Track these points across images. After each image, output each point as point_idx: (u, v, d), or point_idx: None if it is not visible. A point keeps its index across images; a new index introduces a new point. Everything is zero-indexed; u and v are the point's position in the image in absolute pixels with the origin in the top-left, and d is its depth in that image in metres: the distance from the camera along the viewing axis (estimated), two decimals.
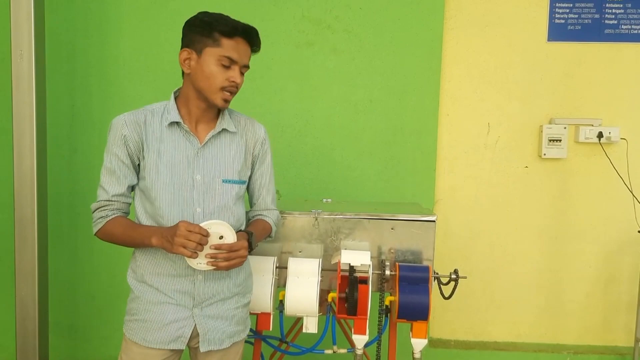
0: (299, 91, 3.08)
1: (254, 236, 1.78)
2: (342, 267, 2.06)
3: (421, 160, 3.10)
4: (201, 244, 1.60)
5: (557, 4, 3.10)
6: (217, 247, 1.63)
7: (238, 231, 1.74)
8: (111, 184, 1.74)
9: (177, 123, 1.75)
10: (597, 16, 3.10)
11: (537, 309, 3.27)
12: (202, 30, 1.70)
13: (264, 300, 2.07)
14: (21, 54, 2.62)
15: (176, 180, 1.72)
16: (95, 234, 1.78)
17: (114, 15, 3.06)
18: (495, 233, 3.22)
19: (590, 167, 3.16)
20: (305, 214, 2.20)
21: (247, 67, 1.75)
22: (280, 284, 2.17)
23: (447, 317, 3.27)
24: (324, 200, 2.57)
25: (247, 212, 1.94)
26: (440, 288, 2.22)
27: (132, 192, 1.80)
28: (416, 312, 2.03)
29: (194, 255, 1.61)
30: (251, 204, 1.96)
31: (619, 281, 3.24)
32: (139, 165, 1.75)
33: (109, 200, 1.74)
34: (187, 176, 1.73)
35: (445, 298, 2.19)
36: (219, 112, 1.82)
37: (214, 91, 1.70)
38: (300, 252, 2.20)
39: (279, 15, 3.04)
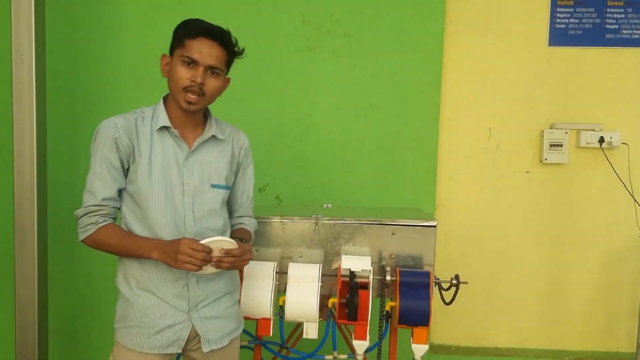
0: (299, 96, 3.08)
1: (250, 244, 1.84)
2: (342, 273, 2.06)
3: (422, 165, 3.09)
4: (206, 261, 1.63)
5: (558, 9, 3.09)
6: (227, 252, 1.66)
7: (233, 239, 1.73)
8: (101, 188, 1.72)
9: (167, 127, 1.75)
10: (598, 21, 3.10)
11: (539, 315, 3.25)
12: (174, 35, 1.75)
13: (264, 305, 2.07)
14: (22, 58, 2.62)
15: (167, 184, 1.72)
16: (82, 241, 1.75)
17: (114, 19, 3.07)
18: (496, 238, 3.21)
19: (592, 172, 3.15)
20: (306, 219, 2.20)
21: (215, 68, 1.71)
22: (281, 290, 2.17)
23: (448, 323, 3.26)
24: (324, 205, 2.57)
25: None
26: (441, 293, 2.21)
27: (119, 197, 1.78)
28: (417, 317, 2.03)
29: (199, 269, 1.63)
30: (232, 210, 1.95)
31: (620, 287, 3.22)
32: (127, 169, 1.74)
33: (98, 205, 1.72)
34: (177, 181, 1.74)
35: (446, 304, 2.18)
36: (205, 118, 1.83)
37: (178, 91, 1.70)
38: (300, 257, 2.20)
39: (279, 20, 3.04)
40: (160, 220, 1.71)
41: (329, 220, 2.20)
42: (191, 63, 1.68)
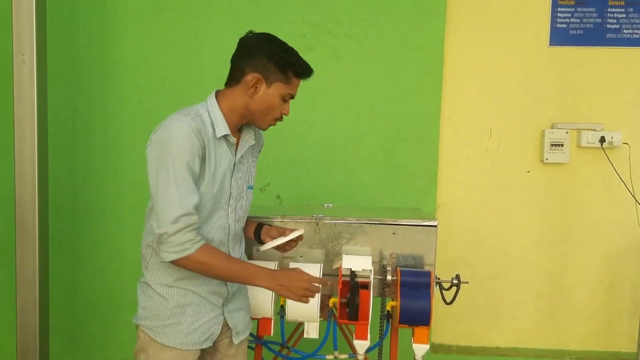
0: (300, 96, 3.06)
1: None
2: (343, 272, 2.06)
3: (423, 165, 3.09)
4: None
5: (558, 9, 3.09)
6: (298, 238, 1.88)
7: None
8: (189, 198, 1.60)
9: (225, 136, 1.74)
10: (598, 21, 3.09)
11: (540, 315, 3.25)
12: (280, 66, 1.72)
13: (265, 305, 2.07)
14: (23, 58, 2.63)
15: (221, 190, 1.75)
16: (175, 260, 1.62)
17: (116, 20, 3.07)
18: (497, 238, 3.21)
19: (593, 171, 3.15)
20: (307, 218, 2.20)
21: None
22: None
23: (448, 323, 3.26)
24: (325, 205, 2.56)
25: None
26: (442, 293, 2.21)
27: None
28: (418, 317, 2.02)
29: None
30: None
31: (621, 286, 3.22)
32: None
33: (190, 218, 1.60)
34: (228, 185, 1.77)
35: (447, 303, 2.18)
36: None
37: (268, 120, 1.77)
38: (301, 257, 2.20)
39: (280, 20, 3.03)
40: (213, 224, 1.74)
41: (330, 220, 2.20)
42: (289, 99, 1.79)
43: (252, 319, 2.07)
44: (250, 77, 1.70)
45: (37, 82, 2.66)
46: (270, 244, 1.80)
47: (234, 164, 1.77)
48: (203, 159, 1.66)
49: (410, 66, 3.04)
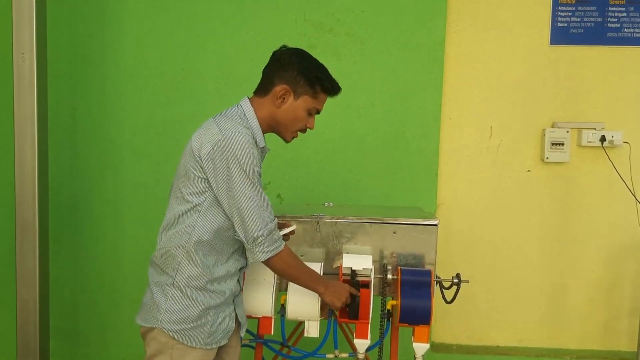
0: None
1: None
2: (343, 271, 2.06)
3: (423, 164, 3.09)
4: None
5: (559, 7, 3.09)
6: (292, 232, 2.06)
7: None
8: (269, 203, 1.77)
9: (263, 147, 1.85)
10: (599, 19, 3.09)
11: (540, 314, 3.25)
12: (309, 80, 1.83)
13: (265, 304, 2.07)
14: (23, 56, 2.62)
15: None
16: (270, 259, 1.77)
17: (116, 19, 3.06)
18: (497, 237, 3.21)
19: (593, 171, 3.15)
20: (307, 217, 2.20)
21: None
22: (282, 288, 2.16)
23: (449, 322, 3.26)
24: (326, 204, 2.56)
25: None
26: (442, 292, 2.21)
27: None
28: (418, 316, 2.02)
29: None
30: None
31: (622, 286, 3.22)
32: None
33: (275, 221, 1.78)
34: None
35: (447, 302, 2.18)
36: None
37: (292, 130, 1.86)
38: (301, 256, 2.19)
39: (281, 18, 3.03)
40: (232, 230, 1.81)
41: (331, 219, 2.19)
42: (316, 113, 1.88)
43: (253, 318, 2.09)
44: (280, 89, 1.80)
45: (37, 81, 2.65)
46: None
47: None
48: None
49: (411, 65, 3.04)
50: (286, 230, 1.96)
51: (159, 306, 1.76)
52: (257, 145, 1.77)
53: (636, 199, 3.09)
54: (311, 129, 1.89)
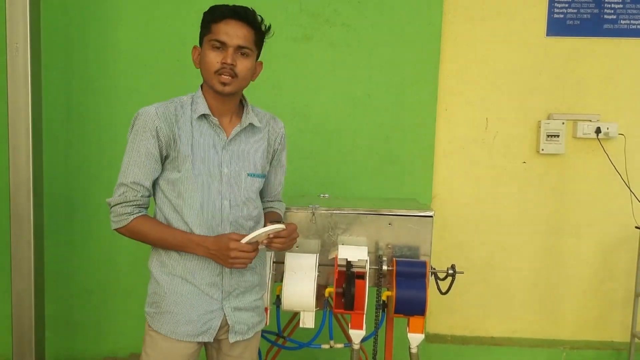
0: (296, 85, 3.07)
1: None
2: (339, 262, 2.07)
3: (419, 156, 3.09)
4: (255, 254, 1.71)
5: None
6: (277, 235, 1.73)
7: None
8: (138, 176, 1.71)
9: (206, 116, 1.76)
10: (596, 11, 3.09)
11: (534, 305, 3.27)
12: (202, 24, 1.76)
13: None
14: (17, 47, 2.60)
15: (206, 173, 1.74)
16: (116, 229, 1.76)
17: (112, 8, 3.04)
18: (492, 228, 3.22)
19: (588, 162, 3.15)
20: (303, 209, 2.20)
21: (244, 47, 1.73)
22: (277, 279, 2.17)
23: (443, 312, 3.27)
24: (321, 195, 2.57)
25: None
26: (437, 283, 2.22)
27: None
28: (413, 307, 2.03)
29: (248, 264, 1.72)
30: (263, 194, 1.98)
31: (615, 277, 3.24)
32: (166, 157, 1.74)
33: (134, 194, 1.72)
34: (216, 169, 1.75)
35: (442, 293, 2.19)
36: (241, 106, 1.85)
37: (212, 76, 1.72)
38: (297, 247, 2.19)
39: (277, 9, 3.01)
40: (198, 209, 1.73)
41: (326, 210, 2.20)
42: (220, 47, 1.70)
43: None
44: (192, 55, 1.80)
45: (31, 72, 2.63)
46: (248, 237, 1.68)
47: (223, 146, 1.76)
48: (173, 141, 1.71)
49: (407, 56, 3.03)
50: (267, 229, 1.70)
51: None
52: (193, 116, 1.75)
53: (631, 190, 3.10)
54: (227, 62, 1.68)
